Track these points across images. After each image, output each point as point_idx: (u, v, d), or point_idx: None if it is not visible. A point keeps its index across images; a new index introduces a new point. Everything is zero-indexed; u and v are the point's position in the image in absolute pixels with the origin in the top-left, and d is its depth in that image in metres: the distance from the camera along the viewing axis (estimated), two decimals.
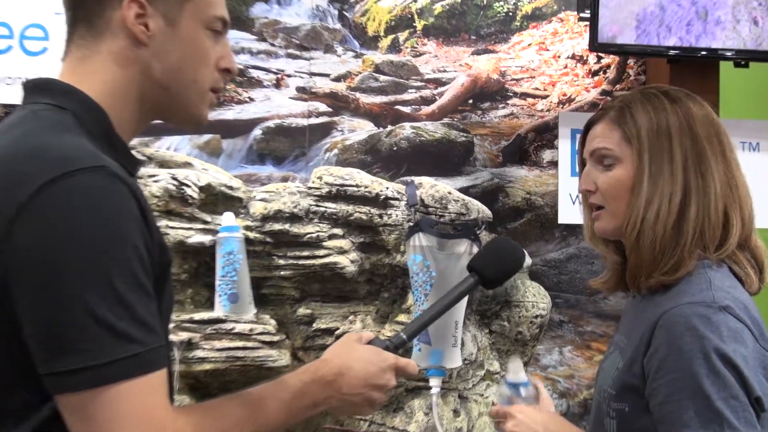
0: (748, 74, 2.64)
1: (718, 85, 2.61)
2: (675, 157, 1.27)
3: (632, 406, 1.24)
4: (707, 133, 1.29)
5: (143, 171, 2.12)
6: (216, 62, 1.15)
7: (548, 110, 2.87)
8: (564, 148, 2.67)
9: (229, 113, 2.65)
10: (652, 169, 1.28)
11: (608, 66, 2.92)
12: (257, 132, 2.67)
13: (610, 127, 1.34)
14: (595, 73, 2.92)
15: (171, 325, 2.09)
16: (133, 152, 1.15)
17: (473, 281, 1.36)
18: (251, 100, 2.68)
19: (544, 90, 2.89)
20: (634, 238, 1.27)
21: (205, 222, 2.20)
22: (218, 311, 2.14)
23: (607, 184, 1.33)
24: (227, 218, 2.18)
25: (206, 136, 2.62)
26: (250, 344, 2.14)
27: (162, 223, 2.12)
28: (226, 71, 1.17)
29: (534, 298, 2.46)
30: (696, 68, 2.56)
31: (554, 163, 2.81)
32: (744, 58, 2.52)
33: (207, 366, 2.10)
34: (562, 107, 2.86)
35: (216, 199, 2.25)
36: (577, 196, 2.67)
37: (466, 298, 2.09)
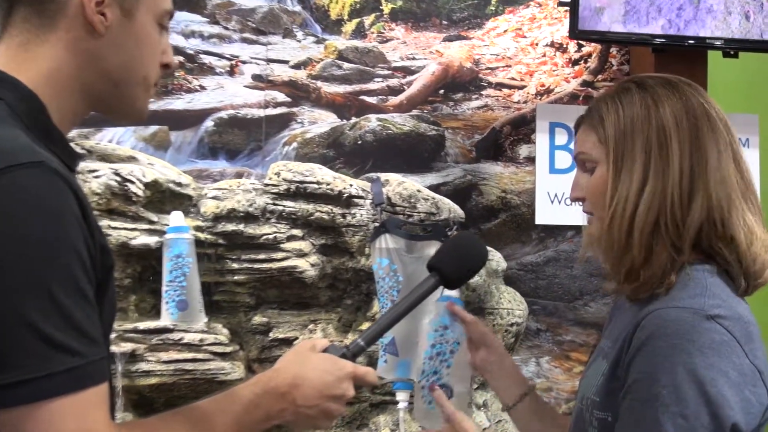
0: (738, 65, 2.69)
1: (706, 77, 2.65)
2: (636, 154, 1.29)
3: (617, 416, 1.26)
4: (678, 121, 1.30)
5: (82, 165, 2.10)
6: (159, 57, 1.18)
7: (525, 102, 2.89)
8: (542, 143, 2.70)
9: (178, 103, 2.63)
10: (616, 171, 1.30)
11: (589, 55, 2.95)
12: (209, 123, 2.65)
13: (587, 131, 1.37)
14: (575, 63, 2.95)
15: (113, 336, 2.07)
16: (72, 145, 1.14)
17: (434, 281, 1.38)
18: (202, 88, 2.66)
19: (521, 80, 2.91)
20: (603, 245, 1.31)
21: (151, 222, 2.18)
22: (165, 320, 2.12)
23: (589, 190, 1.36)
24: (175, 218, 2.17)
25: (152, 128, 2.59)
26: (200, 356, 2.14)
27: (103, 223, 2.10)
28: (166, 66, 1.20)
29: (509, 304, 2.48)
30: (683, 58, 2.60)
31: (531, 159, 2.83)
32: (733, 47, 2.56)
33: (152, 380, 2.09)
34: (540, 99, 2.89)
35: (163, 197, 2.24)
36: (556, 196, 2.71)
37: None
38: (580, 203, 1.39)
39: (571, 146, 2.36)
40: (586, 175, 1.37)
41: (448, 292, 1.63)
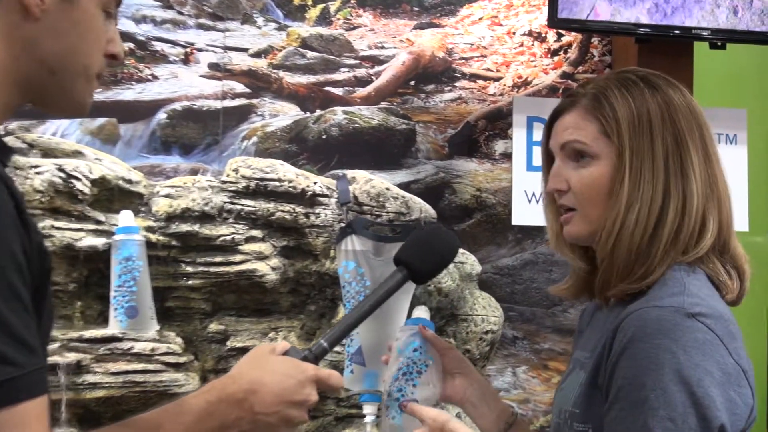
0: (725, 57, 2.72)
1: (692, 69, 2.68)
2: (656, 154, 1.30)
3: (597, 427, 1.27)
4: (689, 126, 1.33)
5: (23, 161, 2.08)
6: (104, 46, 1.16)
7: (501, 94, 2.90)
8: (519, 139, 2.71)
9: (128, 93, 2.61)
10: (632, 169, 1.30)
11: (570, 45, 2.97)
12: (161, 116, 2.63)
13: (584, 117, 1.36)
14: (554, 53, 2.97)
15: (55, 345, 2.05)
16: (8, 139, 1.13)
17: (401, 276, 1.38)
18: (154, 78, 2.64)
19: (497, 71, 2.93)
20: (610, 246, 1.30)
21: (99, 222, 2.17)
22: (113, 328, 2.11)
23: (582, 184, 1.35)
24: (125, 217, 2.15)
25: (100, 121, 2.57)
26: (151, 367, 2.12)
27: (46, 223, 2.08)
28: (112, 57, 1.18)
29: (484, 311, 2.49)
30: (668, 49, 2.62)
31: (508, 156, 2.85)
32: (721, 38, 2.59)
33: (99, 393, 2.07)
34: (517, 91, 2.90)
35: (111, 195, 2.22)
36: (534, 195, 2.72)
37: (405, 309, 2.10)
38: (557, 195, 1.39)
39: None
40: (574, 166, 1.36)
41: (418, 314, 1.63)
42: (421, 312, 1.65)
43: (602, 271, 1.33)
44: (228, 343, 2.29)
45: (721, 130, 2.78)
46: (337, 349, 2.30)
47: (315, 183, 2.34)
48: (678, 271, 1.28)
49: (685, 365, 1.16)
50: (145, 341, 2.13)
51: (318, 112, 2.77)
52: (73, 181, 2.12)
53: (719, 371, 1.19)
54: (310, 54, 2.79)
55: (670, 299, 1.23)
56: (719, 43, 2.62)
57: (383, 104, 2.83)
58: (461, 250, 2.51)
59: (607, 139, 1.33)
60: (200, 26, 2.70)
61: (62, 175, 2.12)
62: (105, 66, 1.18)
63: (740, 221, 2.64)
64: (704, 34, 2.57)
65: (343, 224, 2.27)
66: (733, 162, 2.70)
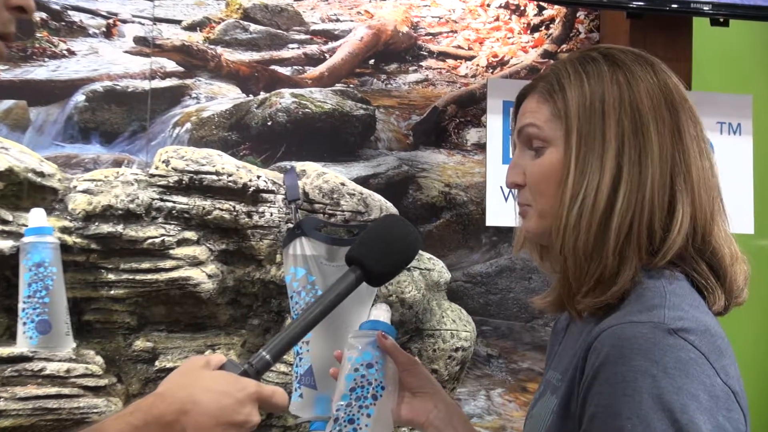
0: (728, 36, 2.75)
1: (691, 49, 2.70)
2: (608, 139, 1.31)
3: None
4: (655, 107, 1.33)
5: None
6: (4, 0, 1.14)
7: (474, 76, 2.91)
8: (494, 127, 2.72)
9: (40, 71, 2.59)
10: (579, 156, 1.31)
11: (552, 20, 2.99)
12: (79, 98, 2.61)
13: (538, 100, 1.38)
14: (535, 29, 2.98)
15: None
16: None
17: (354, 277, 1.37)
18: (71, 53, 2.62)
19: (469, 49, 2.93)
20: (559, 246, 1.31)
21: (5, 222, 2.15)
22: (22, 345, 2.09)
23: (534, 173, 1.36)
24: (36, 217, 2.13)
25: (7, 103, 2.55)
26: (66, 391, 2.11)
27: None
28: (19, 10, 1.15)
29: (454, 325, 2.50)
30: (664, 26, 2.65)
31: (481, 146, 2.86)
32: (723, 14, 2.62)
33: (6, 422, 2.05)
34: (491, 72, 2.91)
35: (20, 191, 2.20)
36: (511, 191, 2.73)
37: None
38: (515, 191, 1.40)
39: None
40: (531, 155, 1.38)
41: (376, 315, 1.59)
42: (381, 312, 1.58)
43: (560, 277, 1.34)
44: (157, 363, 2.28)
45: (723, 118, 2.80)
46: (284, 369, 2.30)
47: (258, 177, 2.33)
48: (658, 279, 1.29)
49: (667, 390, 1.17)
50: (59, 361, 2.12)
51: (262, 95, 2.76)
52: None
53: (706, 395, 1.19)
54: (253, 27, 2.78)
55: (648, 313, 1.23)
56: (721, 19, 2.65)
57: (338, 86, 2.82)
58: (428, 256, 2.52)
59: (559, 121, 1.34)
60: None
61: None
62: (10, 23, 1.15)
63: (744, 222, 2.66)
64: (705, 8, 2.59)
65: (291, 225, 2.26)
66: (736, 154, 2.72)
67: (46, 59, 2.61)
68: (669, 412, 1.16)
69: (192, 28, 2.72)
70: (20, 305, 2.09)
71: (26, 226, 2.13)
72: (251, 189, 2.31)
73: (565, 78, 1.35)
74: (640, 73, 1.35)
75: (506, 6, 2.97)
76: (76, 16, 2.64)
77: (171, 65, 2.69)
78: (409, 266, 2.44)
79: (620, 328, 1.22)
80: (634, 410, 1.17)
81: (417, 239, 1.47)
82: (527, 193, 1.38)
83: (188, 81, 2.70)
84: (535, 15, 2.98)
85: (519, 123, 1.41)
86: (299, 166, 2.46)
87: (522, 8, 2.97)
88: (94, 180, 2.27)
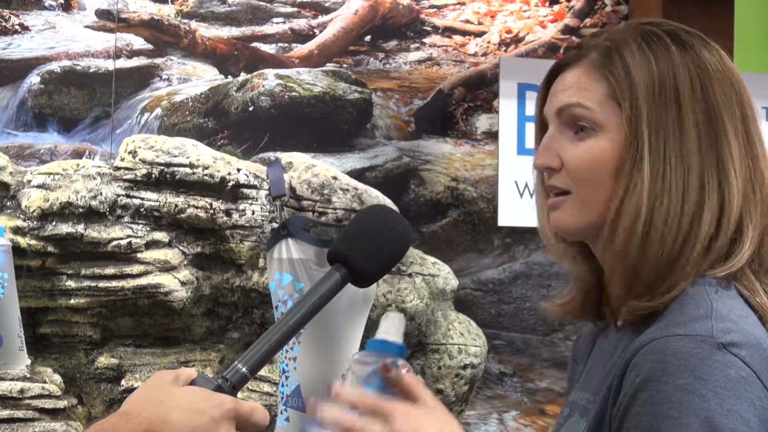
0: None
1: (732, 24, 2.71)
2: (686, 132, 1.30)
3: None
4: (727, 100, 1.33)
5: None
6: None
7: (485, 54, 2.92)
8: (507, 112, 2.73)
9: None
10: (652, 147, 1.31)
11: None
12: (34, 80, 2.62)
13: (590, 76, 1.36)
14: (554, 1, 2.99)
15: None
16: None
17: (339, 276, 1.37)
18: (24, 29, 2.62)
19: (479, 24, 2.94)
20: (634, 249, 1.30)
21: None
22: None
23: (579, 159, 1.35)
24: None
25: None
26: (20, 414, 2.11)
27: None
28: None
29: (462, 338, 2.50)
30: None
31: (493, 135, 2.86)
32: None
33: None
34: (505, 50, 2.92)
35: None
36: (527, 186, 2.73)
37: (359, 334, 2.10)
38: (547, 174, 1.39)
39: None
40: (571, 137, 1.37)
41: (385, 332, 1.56)
42: (390, 328, 1.53)
43: (616, 281, 1.34)
44: (123, 382, 2.28)
45: (766, 102, 2.81)
46: (267, 389, 2.31)
47: (238, 170, 2.33)
48: (701, 285, 1.29)
49: (717, 412, 1.17)
50: (11, 380, 2.11)
51: (243, 77, 2.76)
52: None
53: (756, 418, 1.19)
54: None
55: (694, 325, 1.23)
56: None
57: (329, 66, 2.83)
58: (432, 260, 2.52)
59: (616, 104, 1.34)
60: None
61: None
62: None
63: None
64: None
65: (275, 225, 2.26)
66: None
67: None
68: None
69: (162, 0, 2.73)
70: None
71: None
72: (230, 184, 2.31)
73: (627, 52, 1.34)
74: (709, 58, 1.35)
75: None
76: None
77: (138, 42, 2.69)
78: (410, 272, 2.45)
79: (663, 341, 1.22)
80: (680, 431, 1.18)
81: (408, 230, 1.46)
82: (565, 178, 1.37)
83: (158, 60, 2.71)
84: None
85: (559, 100, 1.38)
86: (285, 157, 2.46)
87: None
88: (50, 173, 2.27)
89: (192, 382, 1.28)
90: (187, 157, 2.29)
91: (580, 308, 1.46)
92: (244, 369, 1.31)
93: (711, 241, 1.33)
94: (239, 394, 1.30)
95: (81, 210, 2.23)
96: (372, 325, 2.19)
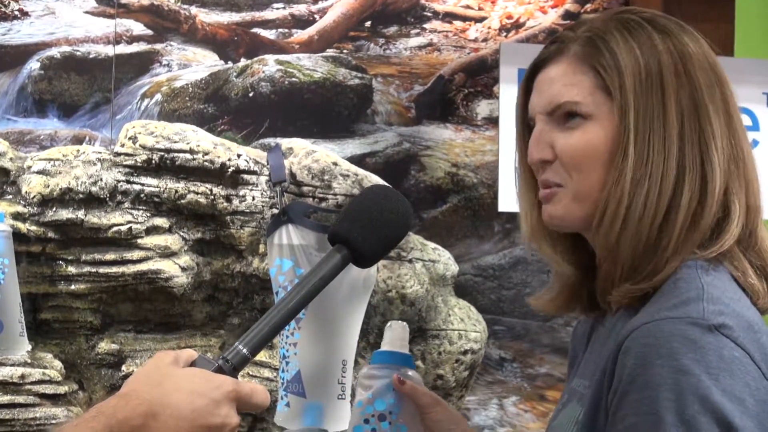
0: None
1: (733, 10, 2.70)
2: (669, 117, 1.31)
3: None
4: (708, 83, 1.34)
5: None
6: None
7: (485, 40, 2.92)
8: (508, 98, 2.72)
9: None
10: (638, 135, 1.31)
11: None
12: (34, 65, 2.61)
13: (575, 69, 1.37)
14: None
15: None
16: None
17: (340, 257, 1.37)
18: (24, 14, 2.62)
19: (480, 9, 2.94)
20: (616, 233, 1.31)
21: None
22: None
23: (572, 149, 1.35)
24: None
25: None
26: (20, 399, 2.12)
27: None
28: None
29: (462, 324, 2.50)
30: None
31: (493, 121, 2.86)
32: None
33: None
34: (505, 36, 2.91)
35: None
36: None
37: (359, 318, 2.11)
38: (541, 168, 1.40)
39: None
40: (560, 128, 1.37)
41: (392, 342, 1.55)
42: (395, 339, 1.53)
43: (605, 268, 1.35)
44: (123, 367, 2.29)
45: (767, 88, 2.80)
46: (268, 374, 2.32)
47: (239, 156, 2.33)
48: (692, 267, 1.30)
49: (714, 391, 1.18)
50: (12, 366, 2.12)
51: (243, 62, 2.76)
52: None
53: (752, 398, 1.20)
54: None
55: (686, 308, 1.24)
56: None
57: (329, 52, 2.82)
58: (432, 245, 2.52)
59: (605, 95, 1.34)
60: None
61: None
62: None
63: None
64: None
65: (276, 210, 2.26)
66: None
67: None
68: (717, 413, 1.17)
69: None
70: None
71: None
72: (230, 169, 2.31)
73: (613, 42, 1.35)
74: (690, 45, 1.36)
75: None
76: None
77: (138, 28, 2.69)
78: (411, 258, 2.45)
79: (655, 325, 1.23)
80: (679, 416, 1.18)
81: (408, 210, 1.47)
82: (559, 169, 1.37)
83: (158, 46, 2.70)
84: None
85: (546, 96, 1.39)
86: (285, 143, 2.46)
87: None
88: (51, 159, 2.27)
89: (192, 364, 1.28)
90: (188, 143, 2.29)
91: (564, 301, 1.46)
92: (245, 350, 1.31)
93: (695, 218, 1.33)
94: (239, 376, 1.30)
95: (81, 196, 2.23)
96: (371, 311, 2.19)
